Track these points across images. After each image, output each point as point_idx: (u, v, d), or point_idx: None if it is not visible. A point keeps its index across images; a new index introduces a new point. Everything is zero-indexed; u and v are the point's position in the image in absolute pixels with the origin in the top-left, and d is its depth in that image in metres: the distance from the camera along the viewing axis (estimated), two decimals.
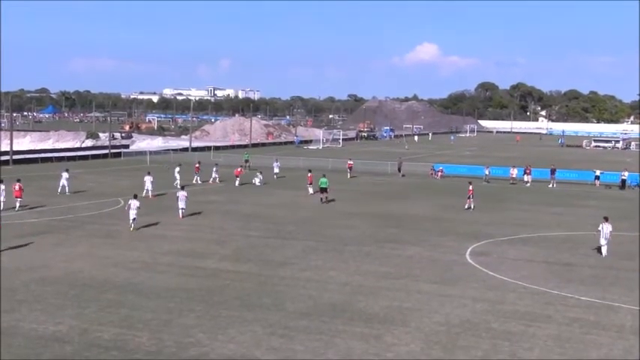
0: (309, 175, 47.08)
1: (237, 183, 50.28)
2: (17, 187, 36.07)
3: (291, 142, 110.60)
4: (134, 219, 31.03)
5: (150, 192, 42.00)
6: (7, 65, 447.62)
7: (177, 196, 34.97)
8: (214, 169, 52.77)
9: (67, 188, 42.69)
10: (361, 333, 17.36)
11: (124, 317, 18.14)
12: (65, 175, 43.32)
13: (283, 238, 29.91)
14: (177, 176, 48.82)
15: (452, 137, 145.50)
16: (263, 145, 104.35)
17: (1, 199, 35.90)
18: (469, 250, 28.31)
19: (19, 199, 36.03)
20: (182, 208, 34.56)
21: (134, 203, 31.23)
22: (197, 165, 52.71)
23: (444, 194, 48.01)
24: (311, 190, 45.67)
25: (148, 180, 42.46)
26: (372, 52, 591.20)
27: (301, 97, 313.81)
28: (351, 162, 59.72)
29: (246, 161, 62.97)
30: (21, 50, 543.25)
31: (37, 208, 36.24)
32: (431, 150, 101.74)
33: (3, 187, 36.07)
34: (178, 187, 41.81)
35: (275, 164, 56.87)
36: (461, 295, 21.32)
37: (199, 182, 50.65)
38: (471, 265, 25.62)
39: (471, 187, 40.76)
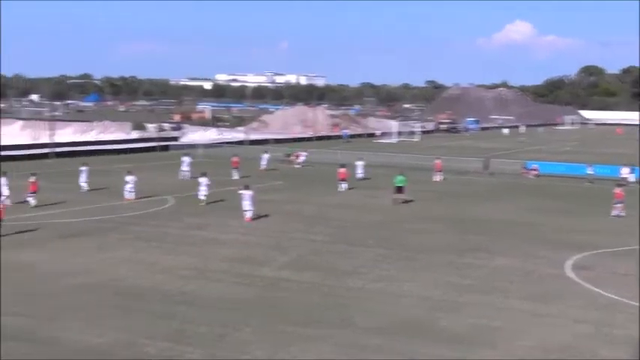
0: (340, 170, 47.19)
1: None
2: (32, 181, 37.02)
3: (360, 135, 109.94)
4: (205, 195, 38.43)
5: (131, 194, 40.09)
6: (46, 49, 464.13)
7: (241, 196, 34.86)
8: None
9: (85, 185, 42.90)
10: (442, 355, 17.18)
11: (174, 330, 18.50)
12: (84, 169, 43.38)
13: (351, 244, 29.91)
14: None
15: (540, 130, 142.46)
16: (329, 138, 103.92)
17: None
18: (569, 262, 27.63)
19: (32, 194, 36.82)
20: (247, 210, 34.41)
21: (204, 181, 38.67)
22: (235, 159, 53.33)
23: (539, 196, 47.04)
24: (343, 187, 46.22)
25: (130, 180, 40.33)
26: (454, 32, 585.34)
27: (372, 83, 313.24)
28: (439, 160, 55.90)
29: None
30: (62, 33, 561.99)
31: (74, 208, 37.10)
32: (523, 145, 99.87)
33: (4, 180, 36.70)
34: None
35: (358, 163, 53.85)
36: (559, 314, 20.85)
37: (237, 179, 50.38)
38: (571, 280, 25.02)
39: (618, 190, 39.27)
